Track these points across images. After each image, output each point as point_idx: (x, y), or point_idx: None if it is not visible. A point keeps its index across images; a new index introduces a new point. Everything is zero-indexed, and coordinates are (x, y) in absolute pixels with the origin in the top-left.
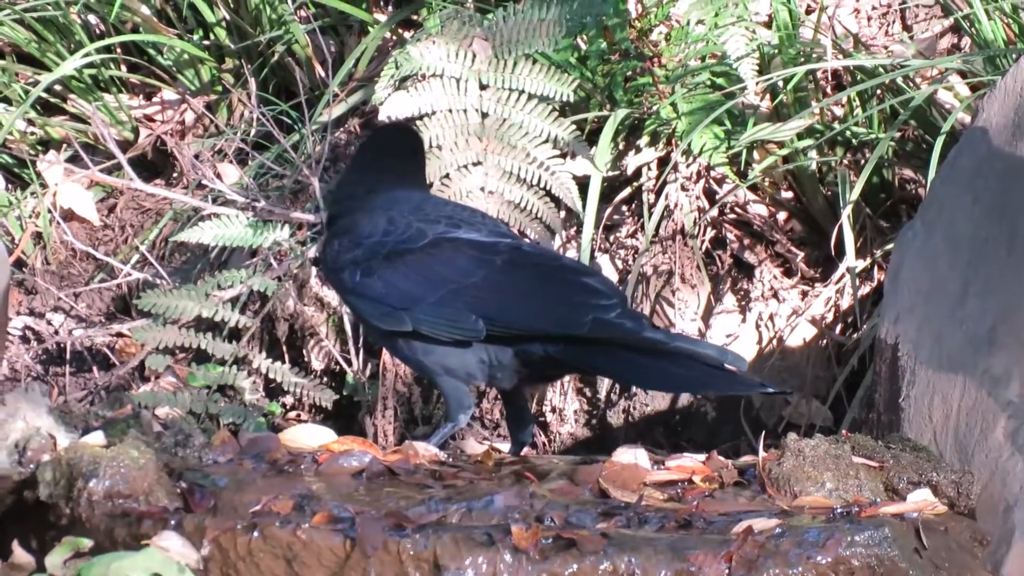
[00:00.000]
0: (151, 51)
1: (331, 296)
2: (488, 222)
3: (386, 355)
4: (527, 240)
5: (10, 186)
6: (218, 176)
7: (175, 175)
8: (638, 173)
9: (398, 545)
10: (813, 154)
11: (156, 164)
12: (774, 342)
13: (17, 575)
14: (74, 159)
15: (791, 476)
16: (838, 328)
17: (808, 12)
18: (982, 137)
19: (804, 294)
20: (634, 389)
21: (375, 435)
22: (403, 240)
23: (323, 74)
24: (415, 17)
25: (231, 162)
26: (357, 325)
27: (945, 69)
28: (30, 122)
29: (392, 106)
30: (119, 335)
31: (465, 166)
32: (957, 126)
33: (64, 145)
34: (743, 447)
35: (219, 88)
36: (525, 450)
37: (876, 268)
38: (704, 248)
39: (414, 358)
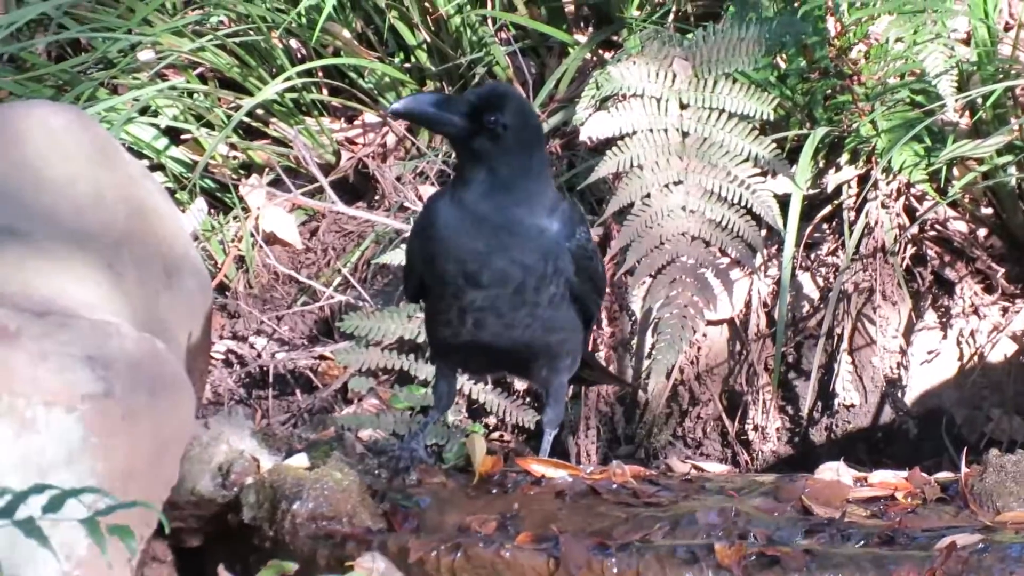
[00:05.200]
0: (352, 74)
1: None
2: None
3: None
4: None
5: (213, 211)
6: (420, 198)
7: (377, 198)
8: (838, 191)
9: (602, 564)
10: (1013, 170)
11: (358, 187)
12: (975, 359)
13: None
14: (276, 183)
15: (993, 491)
16: None
17: (1007, 29)
18: None
19: (1005, 310)
20: (835, 406)
21: (577, 455)
22: None
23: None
24: (615, 38)
25: (433, 184)
26: None
27: None
28: (232, 146)
29: (593, 126)
30: (322, 358)
31: (666, 185)
32: None
33: (266, 169)
34: (945, 463)
35: None
36: (725, 468)
37: None
38: (904, 265)
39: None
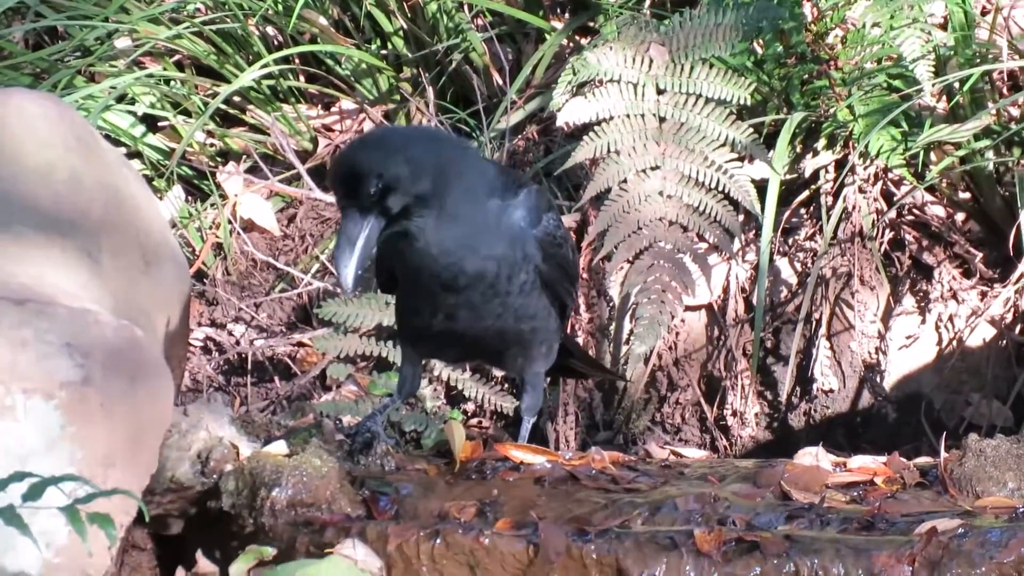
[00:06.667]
0: (329, 61)
1: None
2: None
3: None
4: None
5: (190, 198)
6: None
7: None
8: (816, 176)
9: (581, 550)
10: (990, 154)
11: None
12: (954, 343)
13: None
14: (253, 170)
15: (973, 476)
16: (1018, 328)
17: (983, 13)
18: None
19: (983, 295)
20: (814, 391)
21: (556, 440)
22: None
23: (500, 81)
24: (592, 24)
25: None
26: None
27: None
28: (209, 134)
29: (570, 112)
30: (300, 344)
31: (643, 170)
32: None
33: (243, 156)
34: (924, 448)
35: (397, 97)
36: (704, 454)
37: None
38: (883, 250)
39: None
